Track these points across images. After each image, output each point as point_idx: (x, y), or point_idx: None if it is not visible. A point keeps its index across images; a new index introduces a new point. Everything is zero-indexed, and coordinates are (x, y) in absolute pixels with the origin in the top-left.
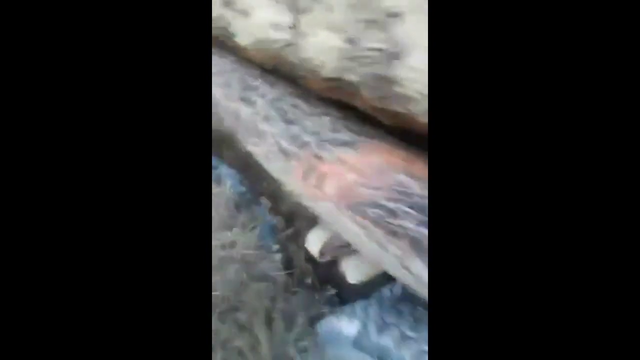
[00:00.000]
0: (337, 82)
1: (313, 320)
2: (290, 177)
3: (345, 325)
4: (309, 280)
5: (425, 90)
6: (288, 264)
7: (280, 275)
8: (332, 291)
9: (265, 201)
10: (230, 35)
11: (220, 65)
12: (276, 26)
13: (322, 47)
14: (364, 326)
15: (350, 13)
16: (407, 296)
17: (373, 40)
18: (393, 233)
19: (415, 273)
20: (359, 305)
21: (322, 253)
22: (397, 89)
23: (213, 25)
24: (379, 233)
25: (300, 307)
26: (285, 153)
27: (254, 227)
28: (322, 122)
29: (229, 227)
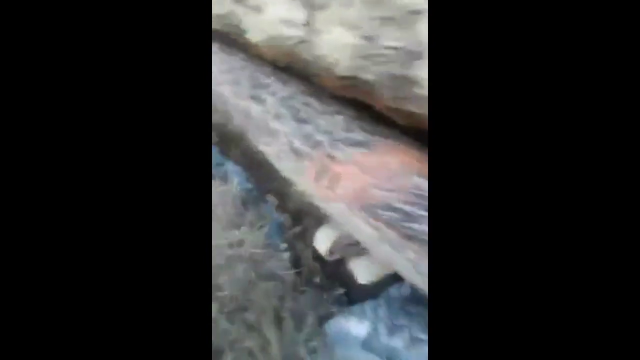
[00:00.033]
0: (351, 81)
1: (322, 320)
2: (302, 178)
3: (354, 325)
4: (317, 279)
5: None
6: (296, 262)
7: (288, 274)
8: (341, 290)
9: (272, 199)
10: (241, 32)
11: (230, 63)
12: (289, 23)
13: (336, 45)
14: (374, 327)
15: (367, 10)
16: (417, 297)
17: (390, 39)
18: (408, 237)
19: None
20: (368, 306)
21: (330, 252)
22: (417, 90)
23: (223, 22)
24: (393, 236)
25: (309, 306)
26: (297, 153)
27: (261, 226)
28: (336, 121)
29: (237, 226)
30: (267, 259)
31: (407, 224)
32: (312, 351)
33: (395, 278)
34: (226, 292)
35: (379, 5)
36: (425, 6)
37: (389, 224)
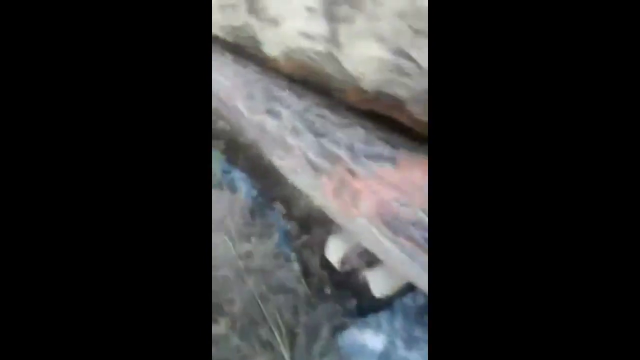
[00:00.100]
0: (378, 95)
1: (335, 332)
2: (320, 193)
3: (370, 338)
4: (327, 290)
5: None
6: (305, 271)
7: (300, 286)
8: (353, 301)
9: (279, 206)
10: (256, 45)
11: (245, 76)
12: (309, 36)
13: (362, 58)
14: (391, 340)
15: (398, 22)
16: None
17: (422, 52)
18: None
19: None
20: (383, 318)
21: (342, 262)
22: None
23: (238, 34)
24: (417, 252)
25: (323, 319)
26: (314, 167)
27: (270, 236)
28: (356, 135)
29: (245, 236)
30: (278, 270)
31: None
32: None
33: (408, 287)
34: (237, 307)
35: (410, 18)
36: None
37: (413, 240)
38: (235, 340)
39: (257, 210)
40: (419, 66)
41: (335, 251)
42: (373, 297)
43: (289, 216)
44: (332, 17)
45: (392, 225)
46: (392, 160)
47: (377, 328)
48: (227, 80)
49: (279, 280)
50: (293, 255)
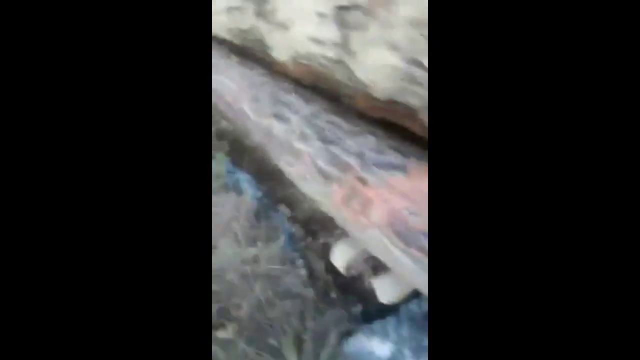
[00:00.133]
0: (390, 104)
1: (342, 338)
2: (330, 201)
3: (376, 345)
4: (333, 294)
5: None
6: (311, 275)
7: (306, 290)
8: (358, 306)
9: (284, 209)
10: (264, 48)
11: (251, 79)
12: (319, 41)
13: (374, 66)
14: (399, 349)
15: (411, 30)
16: None
17: None
18: None
19: None
20: (390, 325)
21: (348, 268)
22: None
23: (245, 36)
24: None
25: (329, 324)
26: (324, 175)
27: (276, 239)
28: (366, 143)
29: (251, 240)
30: (284, 274)
31: None
32: None
33: (414, 293)
34: (244, 312)
35: (423, 26)
36: None
37: (424, 250)
38: (242, 346)
39: (262, 212)
40: None
41: (341, 256)
42: (379, 303)
43: (293, 219)
44: (343, 24)
45: (403, 235)
46: (404, 169)
47: (384, 336)
48: (232, 83)
49: (286, 285)
50: (300, 262)
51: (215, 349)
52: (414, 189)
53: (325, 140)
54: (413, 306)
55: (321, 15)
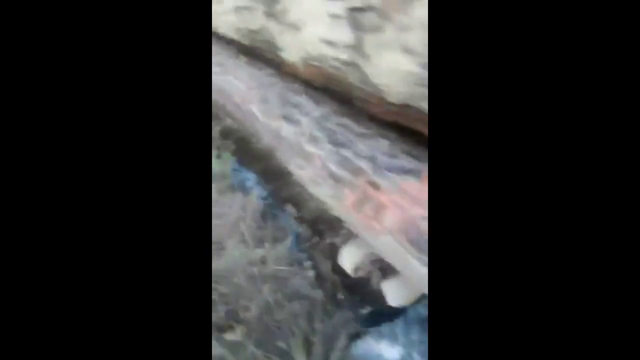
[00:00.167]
0: (404, 108)
1: (350, 342)
2: (341, 205)
3: (385, 349)
4: (340, 295)
5: None
6: (318, 276)
7: (314, 292)
8: (366, 308)
9: (290, 208)
10: (274, 49)
11: (259, 79)
12: (332, 44)
13: (389, 70)
14: (408, 353)
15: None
16: None
17: None
18: None
19: None
20: (398, 328)
21: (356, 270)
22: None
23: (254, 37)
24: None
25: (338, 326)
26: (335, 178)
27: (283, 240)
28: (379, 146)
29: (259, 240)
30: (292, 275)
31: None
32: None
33: (423, 295)
34: (252, 314)
35: None
36: None
37: None
38: (251, 348)
39: (268, 212)
40: None
41: (349, 258)
42: (386, 304)
43: (300, 219)
44: (357, 26)
45: (416, 241)
46: (417, 174)
47: (393, 339)
48: (241, 83)
49: (293, 287)
50: (308, 263)
51: (223, 351)
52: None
53: (336, 143)
54: (422, 309)
55: (334, 16)
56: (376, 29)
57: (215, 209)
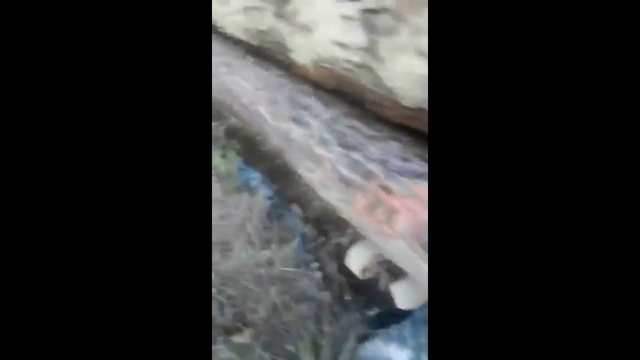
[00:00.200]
0: (419, 112)
1: (358, 343)
2: (352, 209)
3: (394, 352)
4: (347, 296)
5: None
6: (325, 277)
7: (321, 293)
8: (374, 309)
9: (296, 208)
10: (284, 50)
11: (265, 79)
12: (344, 46)
13: (403, 73)
14: (417, 356)
15: None
16: None
17: None
18: None
19: None
20: (407, 331)
21: (364, 271)
22: None
23: (263, 38)
24: None
25: (346, 329)
26: (346, 182)
27: (289, 241)
28: (390, 149)
29: (266, 241)
30: (299, 277)
31: None
32: None
33: None
34: (260, 316)
35: None
36: None
37: None
38: (258, 351)
39: (274, 212)
40: None
41: (356, 260)
42: (394, 306)
43: (305, 219)
44: (371, 28)
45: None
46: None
47: (402, 342)
48: (248, 83)
49: (300, 288)
50: (315, 264)
51: (231, 354)
52: None
53: (346, 146)
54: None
55: (346, 18)
56: (391, 32)
57: (221, 210)
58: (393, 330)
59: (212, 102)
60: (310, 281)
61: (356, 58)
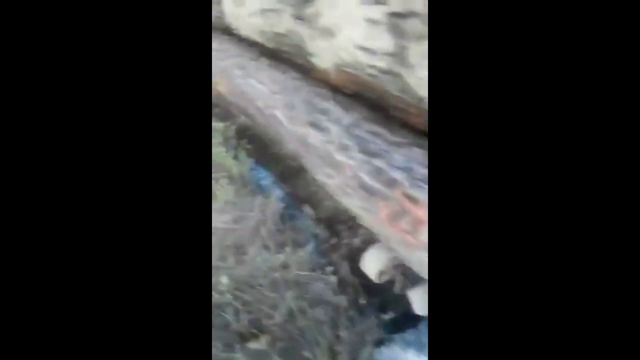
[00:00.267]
0: None
1: (375, 348)
2: (375, 218)
3: (412, 358)
4: (362, 300)
5: None
6: (340, 281)
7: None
8: (390, 313)
9: (308, 209)
10: (303, 53)
11: (281, 82)
12: (369, 51)
13: None
14: None
15: None
16: None
17: None
18: None
19: None
20: (425, 337)
21: (380, 275)
22: None
23: (280, 40)
24: None
25: (362, 333)
26: (368, 190)
27: (303, 244)
28: (414, 156)
29: (279, 245)
30: (314, 281)
31: None
32: None
33: None
34: (275, 322)
35: None
36: None
37: None
38: (275, 358)
39: (286, 213)
40: None
41: (372, 264)
42: (410, 310)
43: (318, 220)
44: (399, 33)
45: None
46: None
47: (421, 348)
48: (262, 86)
49: (315, 292)
50: (330, 268)
51: None
52: None
53: (368, 153)
54: None
55: (371, 21)
56: (421, 37)
57: (235, 213)
58: (410, 335)
59: (222, 103)
60: (325, 285)
61: (381, 63)
